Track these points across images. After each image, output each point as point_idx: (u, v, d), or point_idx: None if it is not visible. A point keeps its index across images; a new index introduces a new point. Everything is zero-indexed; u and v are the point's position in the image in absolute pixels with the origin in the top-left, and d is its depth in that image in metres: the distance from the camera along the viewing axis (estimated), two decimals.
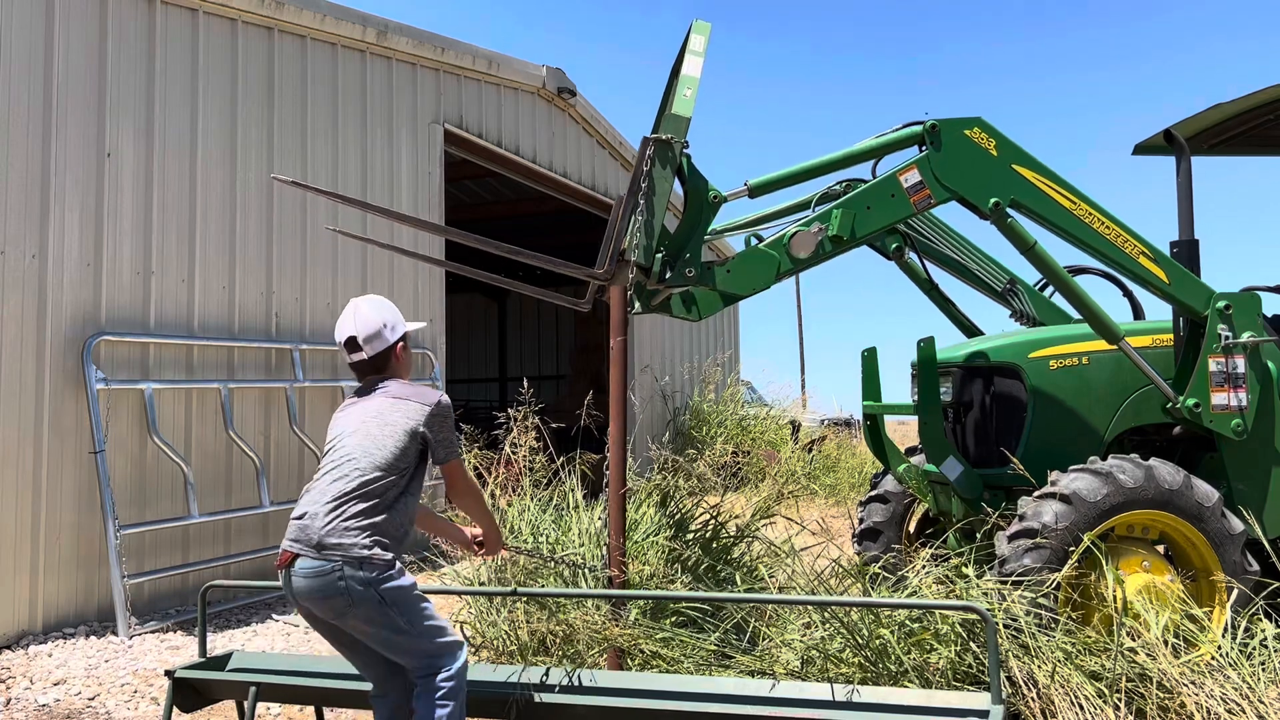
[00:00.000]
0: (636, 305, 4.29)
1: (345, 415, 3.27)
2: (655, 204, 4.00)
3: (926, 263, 5.77)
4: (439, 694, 3.06)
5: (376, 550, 3.00)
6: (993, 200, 4.39)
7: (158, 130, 6.61)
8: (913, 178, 4.36)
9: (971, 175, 4.40)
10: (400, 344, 3.35)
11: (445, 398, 3.25)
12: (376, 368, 3.29)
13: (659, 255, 4.08)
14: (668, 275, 4.11)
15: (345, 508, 3.03)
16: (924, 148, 4.40)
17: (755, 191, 4.47)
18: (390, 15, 8.19)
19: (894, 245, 5.67)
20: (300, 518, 3.10)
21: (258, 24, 7.38)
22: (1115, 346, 4.66)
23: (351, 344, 3.24)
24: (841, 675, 3.70)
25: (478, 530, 3.65)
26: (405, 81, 8.88)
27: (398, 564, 3.06)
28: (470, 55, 9.64)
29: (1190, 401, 4.61)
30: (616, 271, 4.01)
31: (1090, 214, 4.52)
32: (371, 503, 3.05)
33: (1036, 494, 4.28)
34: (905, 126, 4.43)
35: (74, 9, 6.14)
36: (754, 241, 4.57)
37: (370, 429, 3.14)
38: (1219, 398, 4.61)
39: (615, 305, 4.06)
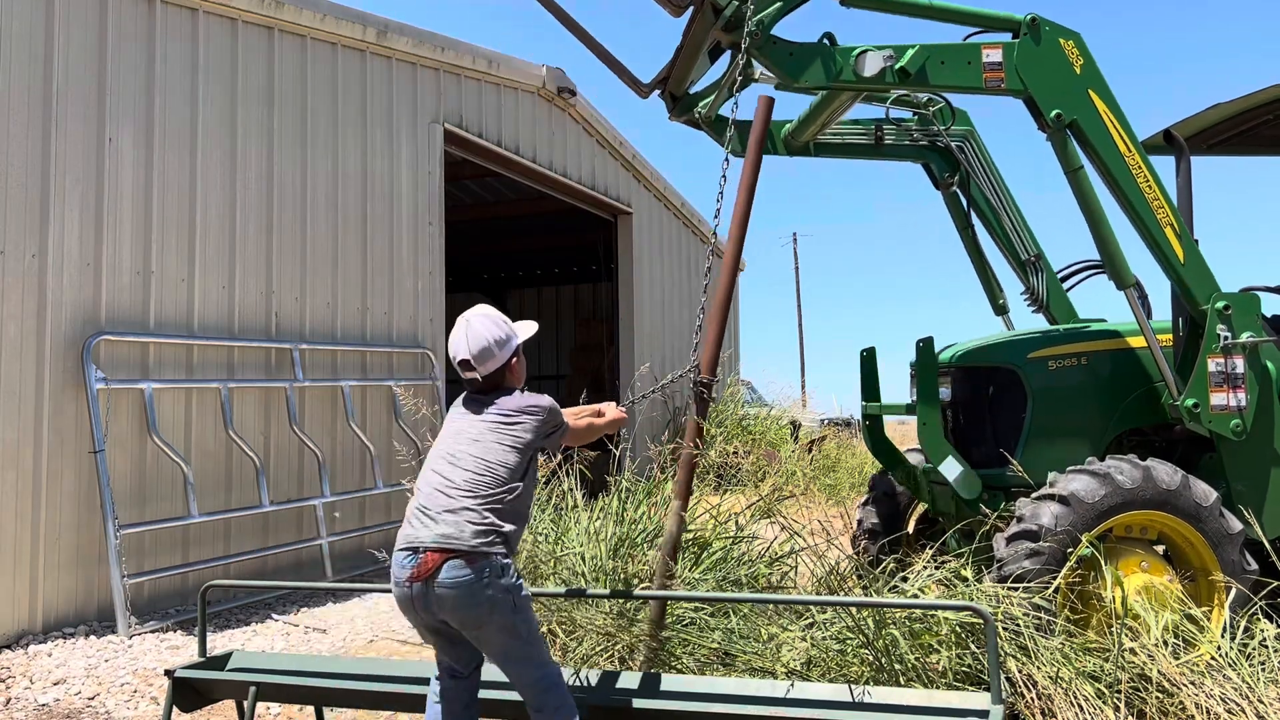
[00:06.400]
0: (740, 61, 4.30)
1: (462, 425, 3.26)
2: None
3: (968, 204, 5.72)
4: (561, 712, 3.10)
5: (510, 559, 3.07)
6: (1056, 111, 4.49)
7: (158, 130, 6.61)
8: (994, 56, 4.47)
9: (1048, 80, 4.50)
10: (514, 359, 3.33)
11: (548, 399, 3.28)
12: (492, 384, 3.28)
13: (735, 3, 4.15)
14: (740, 20, 4.16)
15: (484, 515, 3.05)
16: (1016, 37, 4.49)
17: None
18: (391, 15, 8.22)
19: (946, 172, 5.69)
20: (433, 523, 3.06)
21: (258, 24, 7.38)
22: (1124, 297, 4.72)
23: (465, 365, 3.24)
24: (843, 676, 3.71)
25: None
26: (405, 81, 8.88)
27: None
28: (470, 55, 9.64)
29: (1189, 402, 4.61)
30: (694, 4, 4.13)
31: (1139, 166, 4.56)
32: (504, 509, 3.09)
33: (1035, 495, 4.28)
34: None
35: (74, 10, 6.14)
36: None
37: (490, 444, 3.15)
38: (1218, 398, 4.61)
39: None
